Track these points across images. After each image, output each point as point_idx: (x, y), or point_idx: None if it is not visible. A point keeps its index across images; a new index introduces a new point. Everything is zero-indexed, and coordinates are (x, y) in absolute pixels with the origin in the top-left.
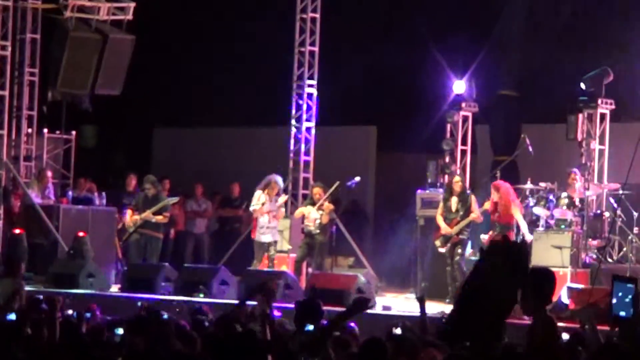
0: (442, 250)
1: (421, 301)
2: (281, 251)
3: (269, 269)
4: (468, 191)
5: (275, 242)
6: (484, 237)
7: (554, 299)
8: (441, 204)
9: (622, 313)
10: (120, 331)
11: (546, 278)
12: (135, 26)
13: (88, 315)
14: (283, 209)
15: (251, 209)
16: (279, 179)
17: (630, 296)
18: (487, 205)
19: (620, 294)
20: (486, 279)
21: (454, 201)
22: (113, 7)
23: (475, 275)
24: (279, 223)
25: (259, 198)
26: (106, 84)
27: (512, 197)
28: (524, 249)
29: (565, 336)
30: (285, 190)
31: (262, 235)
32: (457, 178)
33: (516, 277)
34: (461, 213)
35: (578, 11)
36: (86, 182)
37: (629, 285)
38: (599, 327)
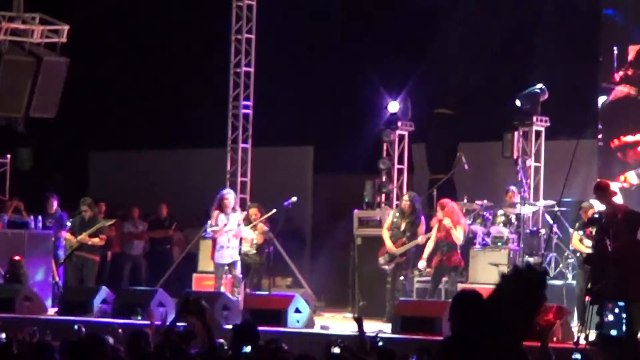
0: (386, 267)
1: (359, 321)
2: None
3: (235, 289)
4: (419, 212)
5: (236, 262)
6: (423, 264)
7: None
8: (389, 219)
9: (614, 332)
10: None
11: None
12: (70, 49)
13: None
14: (242, 226)
15: (209, 230)
16: (229, 194)
17: (622, 316)
18: (434, 233)
19: (611, 314)
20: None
21: (403, 221)
22: (47, 29)
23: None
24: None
25: (217, 218)
26: (41, 107)
27: (457, 216)
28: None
29: None
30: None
31: (221, 257)
32: (405, 197)
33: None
34: (408, 234)
35: (513, 29)
36: (12, 202)
37: (620, 304)
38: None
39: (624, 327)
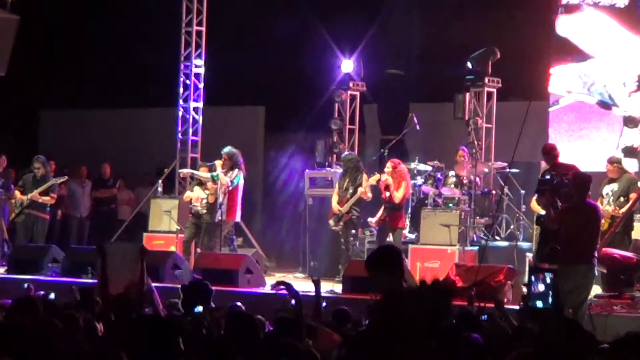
0: (336, 228)
1: (317, 283)
2: (170, 231)
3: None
4: (361, 169)
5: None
6: (371, 220)
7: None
8: (337, 183)
9: (540, 304)
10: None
11: (393, 253)
12: (20, 6)
13: None
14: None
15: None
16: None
17: (549, 287)
18: (373, 180)
19: (537, 284)
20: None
21: (345, 180)
22: None
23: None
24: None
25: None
26: None
27: (402, 178)
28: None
29: None
30: (172, 172)
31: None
32: (344, 156)
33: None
34: (350, 191)
35: None
36: None
37: (547, 275)
38: (483, 305)
39: (550, 299)
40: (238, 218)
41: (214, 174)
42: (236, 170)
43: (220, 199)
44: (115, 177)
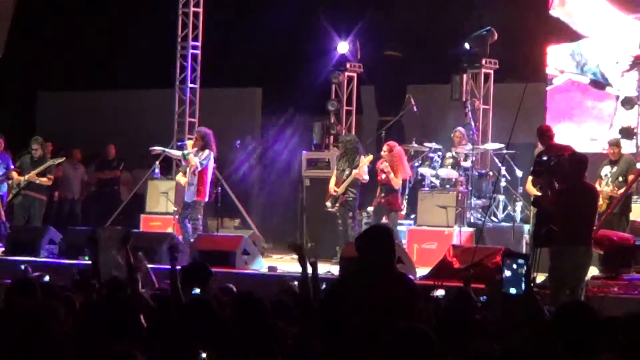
0: (333, 210)
1: (314, 265)
2: (167, 213)
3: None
4: (359, 151)
5: None
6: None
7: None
8: (335, 165)
9: (513, 290)
10: None
11: (386, 234)
12: None
13: None
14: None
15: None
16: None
17: (521, 273)
18: (366, 161)
19: (510, 270)
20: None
21: (343, 162)
22: None
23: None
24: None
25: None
26: None
27: (400, 161)
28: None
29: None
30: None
31: None
32: (342, 138)
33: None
34: (347, 172)
35: None
36: None
37: (520, 261)
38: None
39: (523, 285)
40: (206, 198)
41: (185, 152)
42: (207, 150)
43: (189, 179)
44: (119, 159)
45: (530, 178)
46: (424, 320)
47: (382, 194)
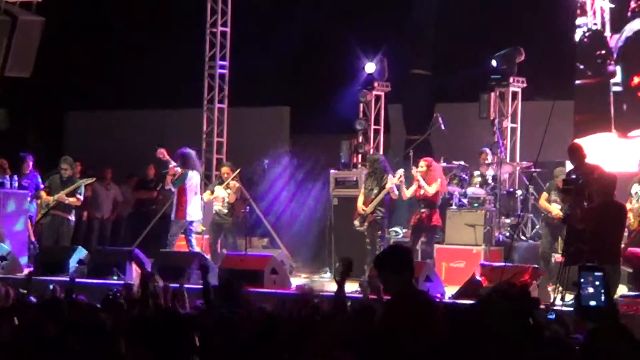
0: (361, 229)
1: (340, 283)
2: (195, 233)
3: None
4: (386, 170)
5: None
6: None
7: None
8: (363, 184)
9: (593, 302)
10: None
11: (401, 252)
12: (46, 8)
13: None
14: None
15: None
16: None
17: (601, 285)
18: (396, 179)
19: (589, 284)
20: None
21: (371, 181)
22: None
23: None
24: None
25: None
26: (16, 66)
27: (441, 174)
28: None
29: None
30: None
31: None
32: (370, 157)
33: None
34: (375, 191)
35: None
36: None
37: (597, 274)
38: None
39: (602, 297)
40: (189, 218)
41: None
42: (184, 170)
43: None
44: (158, 179)
45: (544, 194)
46: (440, 337)
47: (422, 209)
